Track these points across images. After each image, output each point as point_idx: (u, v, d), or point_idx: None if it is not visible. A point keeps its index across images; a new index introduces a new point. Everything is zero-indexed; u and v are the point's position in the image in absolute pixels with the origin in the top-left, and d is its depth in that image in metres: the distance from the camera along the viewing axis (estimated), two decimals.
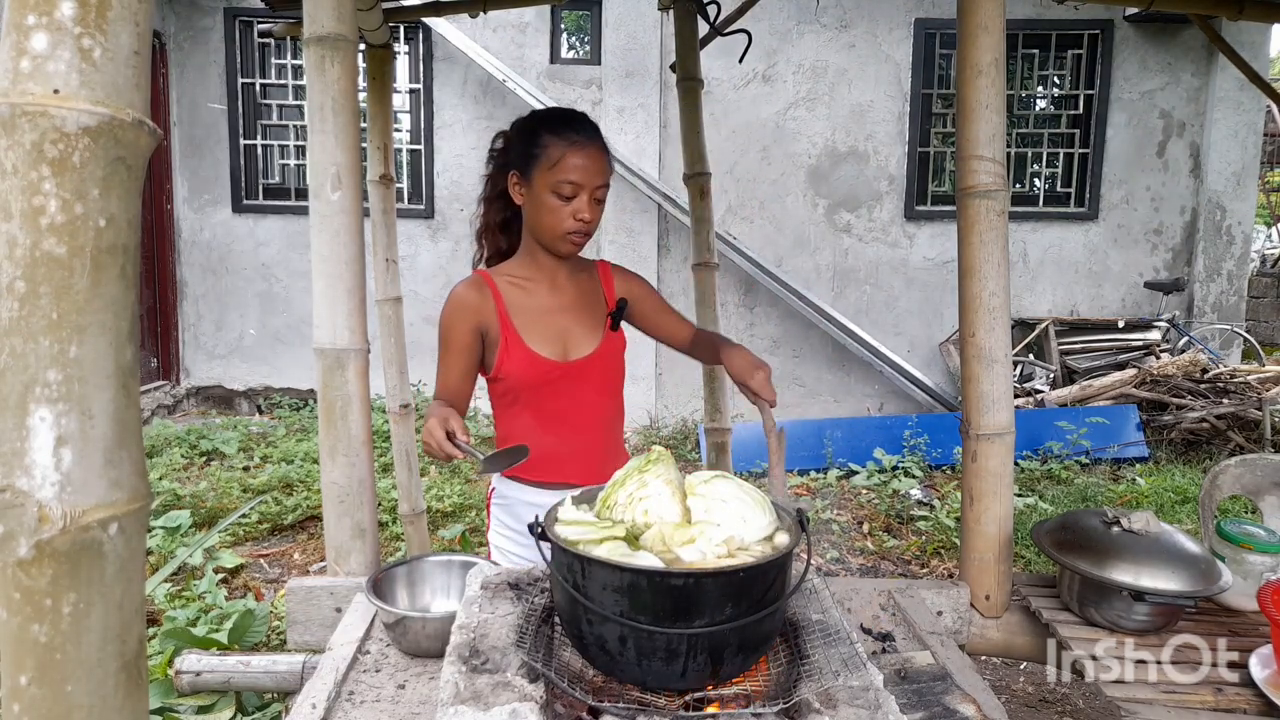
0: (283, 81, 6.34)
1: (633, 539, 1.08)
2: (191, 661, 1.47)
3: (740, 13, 2.99)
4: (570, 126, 1.56)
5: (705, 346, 1.77)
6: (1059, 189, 6.50)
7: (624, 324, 1.76)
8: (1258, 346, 6.82)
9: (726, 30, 2.81)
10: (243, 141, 6.28)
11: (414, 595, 1.48)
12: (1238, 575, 1.55)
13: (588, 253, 1.74)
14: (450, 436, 1.42)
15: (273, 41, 6.18)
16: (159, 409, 6.18)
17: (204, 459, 5.03)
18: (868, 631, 1.46)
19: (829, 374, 6.45)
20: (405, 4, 2.71)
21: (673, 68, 2.89)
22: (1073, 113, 6.41)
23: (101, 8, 0.68)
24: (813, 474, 5.16)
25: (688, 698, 1.02)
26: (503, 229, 1.74)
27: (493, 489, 1.77)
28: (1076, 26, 6.19)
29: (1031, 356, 6.20)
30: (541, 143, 1.55)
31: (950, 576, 3.56)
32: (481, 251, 1.77)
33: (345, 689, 1.23)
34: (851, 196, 6.35)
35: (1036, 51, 6.34)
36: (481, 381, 1.71)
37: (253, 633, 2.63)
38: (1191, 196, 6.40)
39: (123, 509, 0.71)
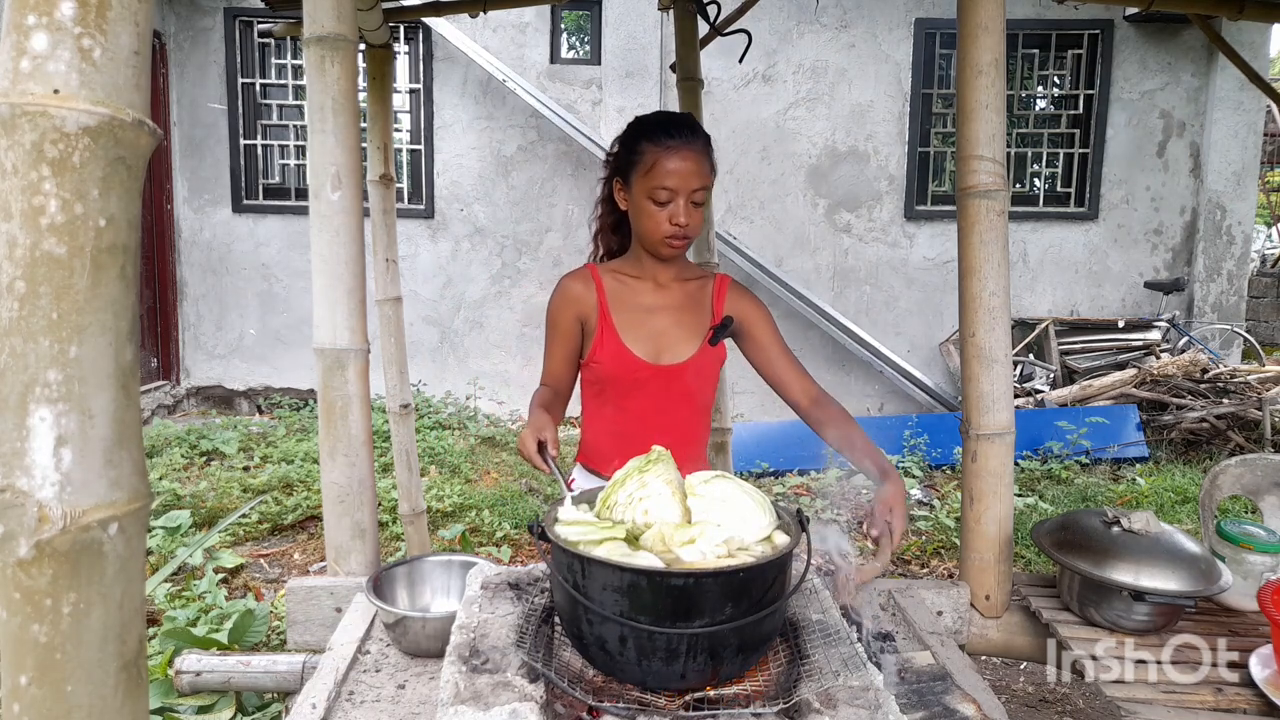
0: (283, 81, 6.34)
1: (633, 539, 1.08)
2: (191, 661, 1.47)
3: (740, 13, 2.99)
4: (666, 131, 1.56)
5: (847, 438, 1.62)
6: (1059, 189, 6.50)
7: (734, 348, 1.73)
8: (1258, 346, 6.82)
9: (726, 30, 2.81)
10: (243, 141, 6.28)
11: (414, 595, 1.49)
12: (1238, 575, 1.55)
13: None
14: (541, 448, 1.42)
15: (273, 41, 6.18)
16: (159, 409, 6.18)
17: (204, 459, 5.02)
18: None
19: (829, 374, 6.45)
20: (405, 4, 2.71)
21: (673, 68, 2.89)
22: (1073, 113, 6.41)
23: (101, 8, 0.68)
24: (813, 474, 5.16)
25: (688, 698, 1.02)
26: (614, 230, 1.76)
27: (573, 479, 1.76)
28: (1076, 26, 6.19)
29: (1031, 356, 6.20)
30: (639, 149, 1.57)
31: (950, 576, 3.56)
32: (597, 251, 1.80)
33: (345, 689, 1.23)
34: (851, 196, 6.35)
35: (1036, 51, 6.33)
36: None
37: (253, 633, 2.63)
38: (1191, 196, 6.40)
39: (123, 509, 0.71)
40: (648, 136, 1.57)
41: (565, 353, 1.67)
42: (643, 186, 1.56)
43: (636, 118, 1.65)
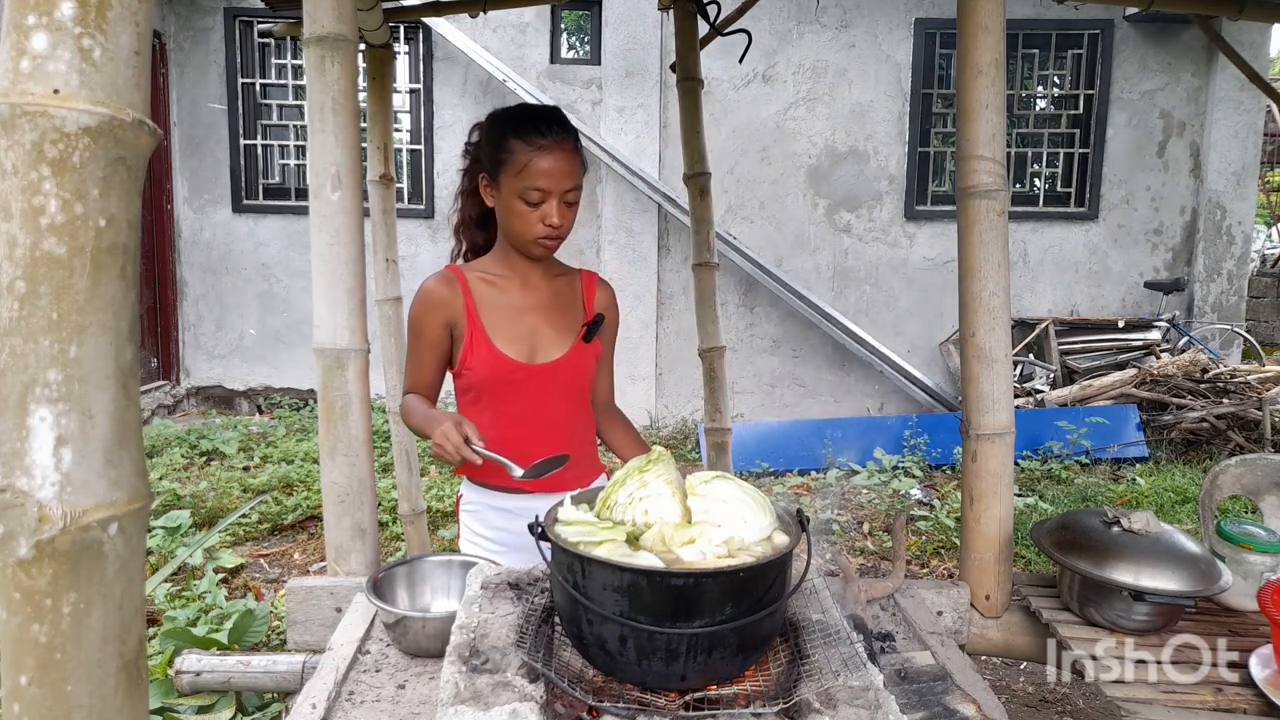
0: (283, 81, 6.35)
1: (633, 539, 1.08)
2: (191, 661, 1.47)
3: (740, 13, 2.99)
4: (536, 129, 1.50)
5: (626, 435, 1.78)
6: (1059, 189, 6.50)
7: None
8: (1258, 346, 6.82)
9: (726, 30, 2.81)
10: (243, 141, 6.29)
11: (414, 595, 1.48)
12: (1238, 575, 1.55)
13: (579, 260, 1.72)
14: (467, 441, 1.39)
15: (273, 41, 6.18)
16: (159, 409, 6.18)
17: (204, 459, 5.03)
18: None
19: (829, 374, 6.45)
20: (405, 4, 2.71)
21: (673, 68, 2.89)
22: (1073, 113, 6.41)
23: (101, 8, 0.68)
24: (813, 474, 5.16)
25: (688, 698, 1.02)
26: (479, 225, 1.71)
27: (460, 495, 1.75)
28: (1076, 26, 6.19)
29: (1031, 356, 6.20)
30: (507, 147, 1.51)
31: (950, 576, 3.56)
32: (460, 246, 1.75)
33: (345, 689, 1.23)
34: (851, 196, 6.35)
35: (1036, 51, 6.34)
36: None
37: (253, 633, 2.63)
38: (1191, 196, 6.40)
39: (123, 509, 0.71)
40: (517, 134, 1.50)
41: (434, 359, 1.62)
42: (513, 186, 1.51)
43: (501, 110, 1.58)
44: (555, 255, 1.67)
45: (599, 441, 1.80)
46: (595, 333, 1.68)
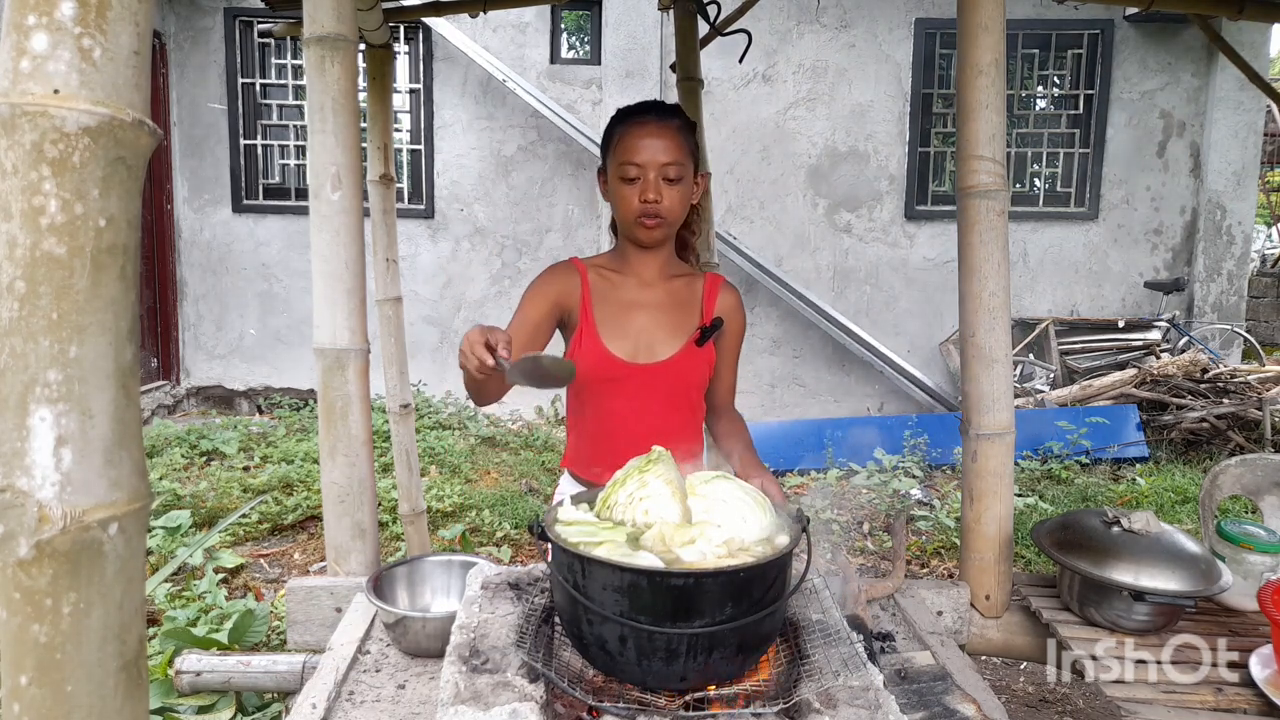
0: (283, 81, 6.34)
1: (633, 539, 1.08)
2: (191, 661, 1.47)
3: (740, 13, 2.99)
4: (636, 111, 1.53)
5: (741, 449, 1.62)
6: (1059, 189, 6.50)
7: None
8: (1258, 346, 6.82)
9: (726, 30, 2.81)
10: (243, 141, 6.28)
11: (414, 595, 1.49)
12: (1238, 575, 1.55)
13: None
14: (491, 350, 1.23)
15: (273, 41, 6.18)
16: (159, 409, 6.18)
17: (204, 459, 5.02)
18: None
19: (829, 374, 6.45)
20: (405, 4, 2.71)
21: (673, 68, 2.89)
22: (1073, 113, 6.41)
23: (101, 8, 0.68)
24: (813, 474, 5.16)
25: (688, 698, 1.02)
26: (614, 229, 1.71)
27: (558, 487, 1.74)
28: (1076, 26, 6.19)
29: (1031, 356, 6.20)
30: (612, 132, 1.54)
31: (950, 576, 3.56)
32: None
33: (345, 689, 1.23)
34: (851, 196, 6.35)
35: (1036, 51, 6.33)
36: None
37: (253, 633, 2.63)
38: (1191, 196, 6.40)
39: (123, 509, 0.71)
40: (620, 119, 1.55)
41: (528, 319, 1.54)
42: (614, 167, 1.53)
43: (618, 109, 1.61)
44: (683, 262, 1.67)
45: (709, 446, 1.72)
46: (711, 336, 1.61)
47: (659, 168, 1.49)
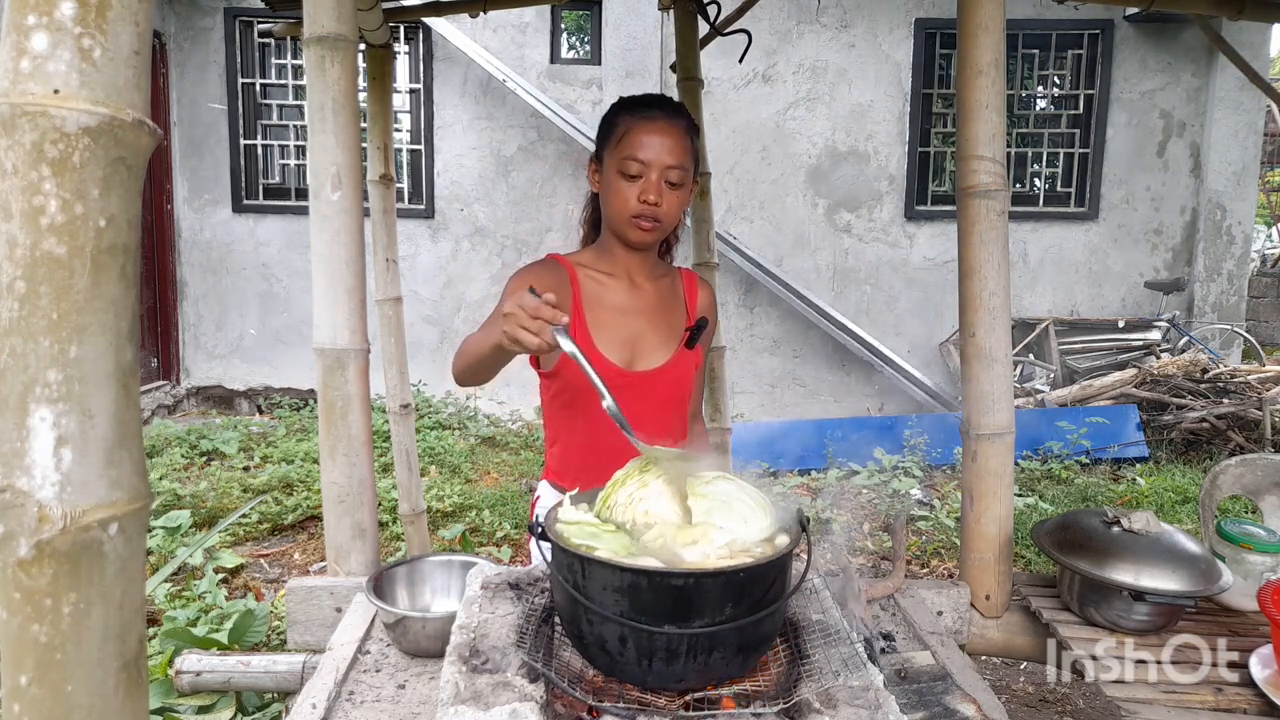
0: (283, 81, 6.35)
1: (633, 539, 1.07)
2: (191, 661, 1.47)
3: (740, 13, 2.99)
4: (645, 104, 1.46)
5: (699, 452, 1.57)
6: (1059, 189, 6.50)
7: None
8: (1258, 346, 6.82)
9: (726, 30, 2.81)
10: (243, 141, 6.28)
11: (414, 595, 1.48)
12: (1238, 575, 1.55)
13: None
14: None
15: (273, 41, 6.19)
16: (159, 409, 6.18)
17: (204, 459, 5.02)
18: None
19: (829, 374, 6.45)
20: (405, 4, 2.71)
21: (673, 68, 2.89)
22: (1073, 113, 6.41)
23: (101, 8, 0.68)
24: (813, 474, 5.16)
25: (688, 698, 1.02)
26: (594, 224, 1.64)
27: (538, 496, 1.67)
28: (1076, 26, 6.19)
29: (1031, 356, 6.20)
30: (614, 121, 1.47)
31: (950, 576, 3.55)
32: (590, 240, 1.67)
33: (345, 689, 1.23)
34: (851, 196, 6.35)
35: (1036, 51, 6.34)
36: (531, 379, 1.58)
37: (253, 633, 2.63)
38: (1191, 196, 6.40)
39: (123, 509, 0.71)
40: (626, 108, 1.48)
41: None
42: (614, 159, 1.45)
43: (621, 97, 1.55)
44: (660, 260, 1.61)
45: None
46: (698, 339, 1.58)
47: (663, 169, 1.44)
